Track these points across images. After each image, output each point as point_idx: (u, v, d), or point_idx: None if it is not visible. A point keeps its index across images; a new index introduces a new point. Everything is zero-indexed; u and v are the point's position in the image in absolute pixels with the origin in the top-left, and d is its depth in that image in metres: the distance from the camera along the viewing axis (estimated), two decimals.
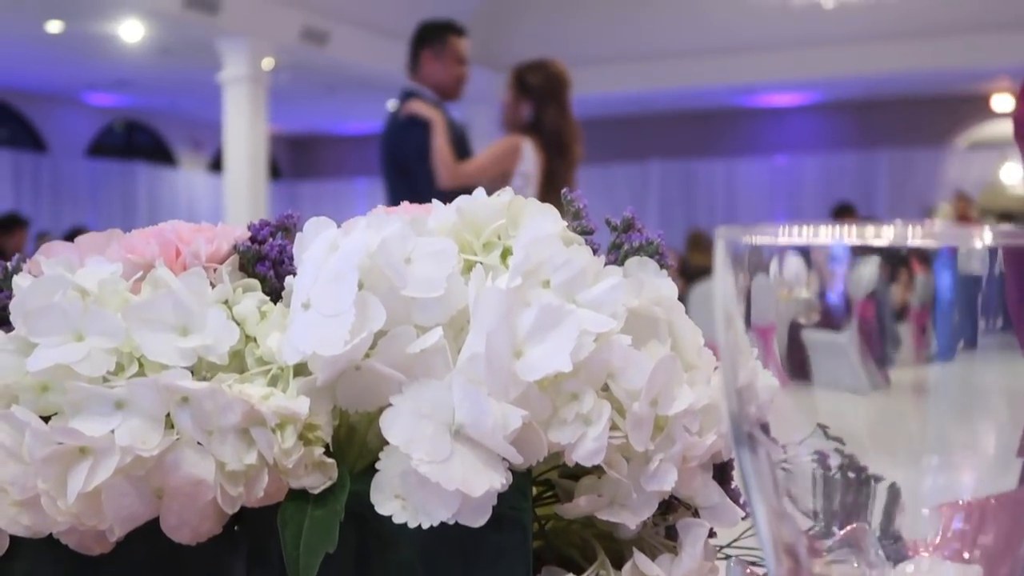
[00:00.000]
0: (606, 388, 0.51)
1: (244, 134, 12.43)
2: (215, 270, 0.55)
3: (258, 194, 12.61)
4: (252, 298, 0.54)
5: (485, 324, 0.49)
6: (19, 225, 7.43)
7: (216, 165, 20.21)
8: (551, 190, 3.68)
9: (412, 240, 0.53)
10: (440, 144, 3.58)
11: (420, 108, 3.68)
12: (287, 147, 22.93)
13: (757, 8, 10.20)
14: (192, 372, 0.50)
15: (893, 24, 13.30)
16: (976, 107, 17.59)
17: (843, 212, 9.80)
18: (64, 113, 18.41)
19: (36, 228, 16.81)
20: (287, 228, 0.63)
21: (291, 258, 0.57)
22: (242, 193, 12.46)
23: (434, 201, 0.61)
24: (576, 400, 0.51)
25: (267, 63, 12.72)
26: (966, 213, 10.54)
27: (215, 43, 12.35)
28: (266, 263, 0.57)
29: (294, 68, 13.97)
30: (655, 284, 0.59)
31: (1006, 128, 12.11)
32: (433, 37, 3.81)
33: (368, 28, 14.10)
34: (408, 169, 3.68)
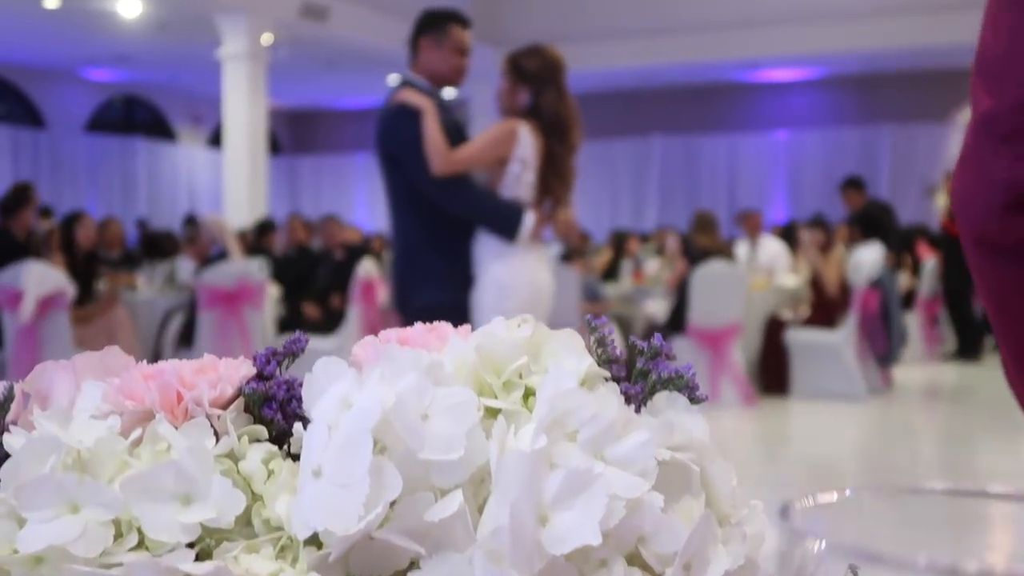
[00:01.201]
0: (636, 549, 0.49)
1: (243, 110, 12.36)
2: (219, 417, 0.52)
3: (257, 169, 12.56)
4: (258, 451, 0.51)
5: (508, 493, 0.46)
6: (27, 201, 7.39)
7: (215, 140, 20.12)
8: (552, 174, 3.64)
9: (429, 393, 0.49)
10: (431, 131, 3.48)
11: (410, 97, 3.60)
12: (287, 122, 22.83)
13: None
14: (196, 540, 0.47)
15: (896, 1, 13.19)
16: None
17: (851, 186, 9.74)
18: (62, 89, 18.30)
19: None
20: (294, 354, 0.59)
21: (299, 398, 0.54)
22: (242, 168, 12.41)
23: (449, 335, 0.57)
24: (605, 567, 0.48)
25: (266, 39, 12.63)
26: None
27: (214, 18, 12.27)
28: (273, 405, 0.54)
29: (293, 44, 13.88)
30: (686, 425, 0.56)
31: None
32: (435, 25, 3.72)
33: (367, 4, 14.00)
34: (399, 158, 3.61)
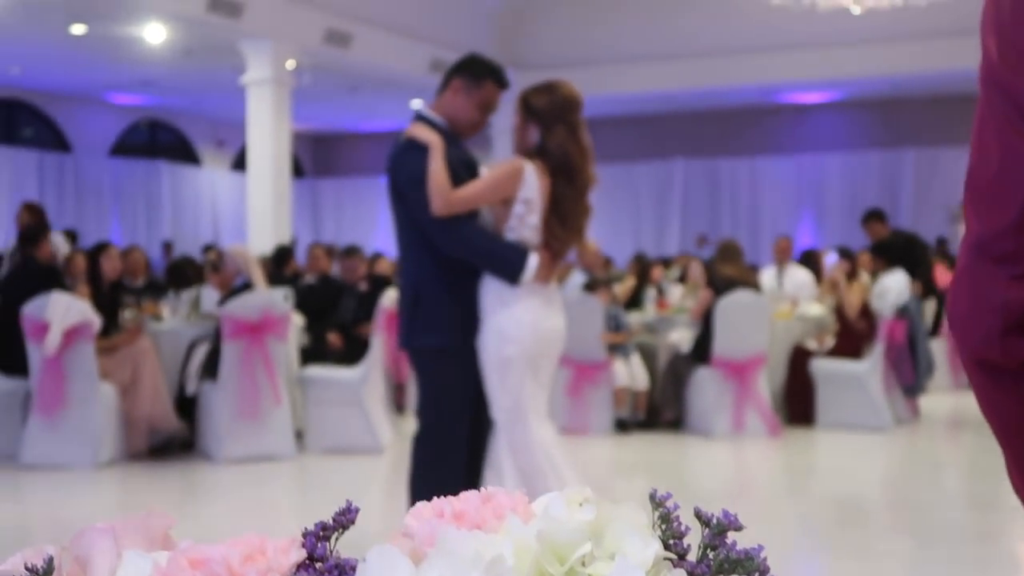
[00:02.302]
0: None
1: (267, 135, 12.42)
2: None
3: (281, 194, 12.61)
4: None
5: None
6: (47, 228, 7.44)
7: (239, 163, 20.21)
8: (557, 215, 3.52)
9: None
10: (435, 168, 3.39)
11: (420, 132, 3.53)
12: (310, 145, 22.91)
13: (783, 8, 10.08)
14: None
15: (919, 24, 13.14)
16: None
17: (874, 218, 9.65)
18: (88, 113, 18.44)
19: (61, 225, 16.87)
20: (344, 527, 0.58)
21: None
22: (266, 193, 12.46)
23: (509, 519, 0.55)
24: None
25: (290, 64, 12.70)
26: None
27: (238, 45, 12.34)
28: None
29: (316, 69, 13.94)
30: None
31: None
32: (472, 72, 3.62)
33: (390, 30, 14.04)
34: (403, 193, 3.54)
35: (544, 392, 3.63)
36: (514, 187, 3.47)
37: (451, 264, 3.52)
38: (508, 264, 3.46)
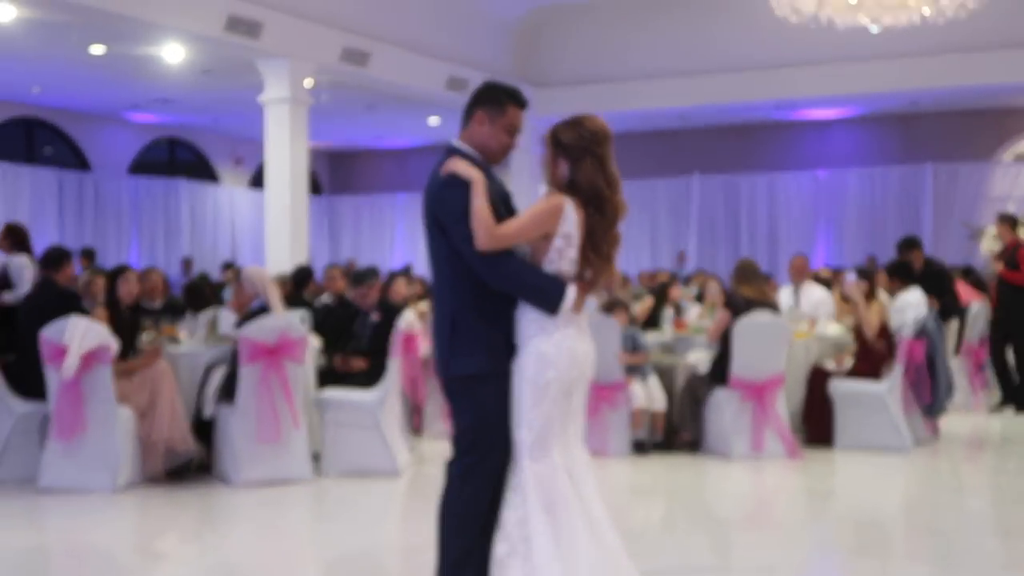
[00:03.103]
0: None
1: (285, 154, 12.47)
2: None
3: (299, 212, 12.65)
4: None
5: None
6: (68, 257, 7.48)
7: (257, 181, 20.31)
8: (591, 247, 3.62)
9: None
10: (479, 205, 3.52)
11: (460, 167, 3.62)
12: (328, 162, 23.01)
13: (800, 25, 10.07)
14: None
15: (936, 40, 13.10)
16: (1022, 120, 17.34)
17: (909, 247, 9.71)
18: (107, 132, 18.57)
19: (80, 243, 16.99)
20: None
21: None
22: (284, 211, 12.50)
23: None
24: None
25: (308, 83, 12.75)
26: (1013, 236, 10.25)
27: (257, 63, 12.40)
28: None
29: (334, 87, 14.00)
30: None
31: None
32: (492, 100, 3.73)
33: (407, 47, 14.08)
34: (446, 227, 3.63)
35: (579, 417, 3.73)
36: (555, 223, 3.59)
37: (488, 293, 3.62)
38: (549, 296, 3.58)
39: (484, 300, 3.62)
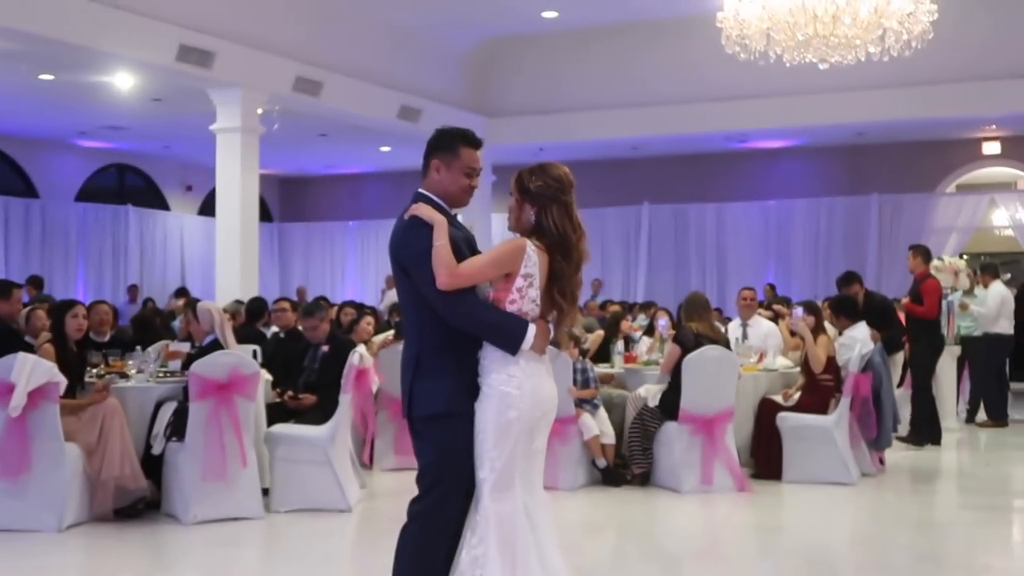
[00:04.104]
0: None
1: (236, 182, 12.42)
2: None
3: (249, 240, 12.60)
4: None
5: None
6: (15, 286, 7.40)
7: (207, 208, 20.17)
8: (557, 290, 3.71)
9: None
10: (440, 245, 3.61)
11: (423, 210, 3.70)
12: (278, 188, 22.90)
13: (748, 60, 10.23)
14: None
15: (882, 74, 13.35)
16: (965, 152, 17.69)
17: (849, 281, 9.78)
18: (55, 158, 18.36)
19: (26, 270, 16.76)
20: None
21: None
22: (234, 239, 12.45)
23: None
24: None
25: (260, 111, 12.73)
26: (924, 268, 10.22)
27: (208, 92, 12.36)
28: None
29: (287, 115, 13.98)
30: None
31: (995, 172, 12.22)
32: (445, 146, 3.81)
33: (360, 77, 14.11)
34: (408, 269, 3.70)
35: (538, 459, 3.76)
36: (516, 262, 3.65)
37: (454, 334, 3.67)
38: (509, 335, 3.64)
39: (449, 341, 3.67)
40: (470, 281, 3.62)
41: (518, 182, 3.78)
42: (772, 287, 16.06)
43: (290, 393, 7.47)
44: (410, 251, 3.67)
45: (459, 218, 3.95)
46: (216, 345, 7.11)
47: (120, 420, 6.69)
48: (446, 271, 3.57)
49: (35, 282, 14.95)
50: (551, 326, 3.75)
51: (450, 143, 3.81)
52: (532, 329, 3.63)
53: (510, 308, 3.64)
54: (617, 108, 16.04)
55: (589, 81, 16.18)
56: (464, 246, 3.72)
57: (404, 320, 3.86)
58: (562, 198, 3.72)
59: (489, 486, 3.62)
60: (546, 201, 3.71)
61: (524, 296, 3.64)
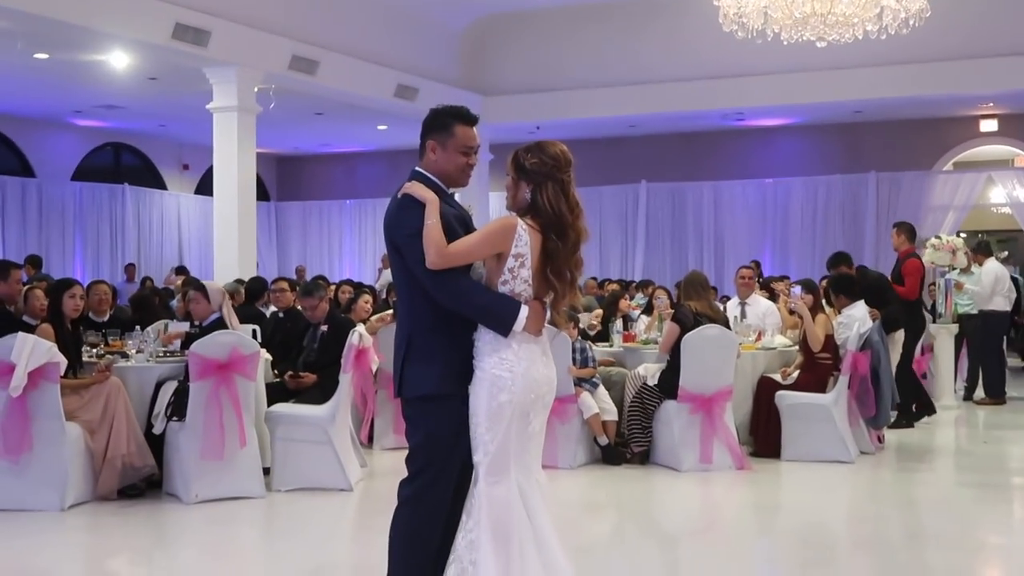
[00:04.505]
0: None
1: (233, 162, 12.40)
2: None
3: (247, 219, 12.59)
4: None
5: None
6: (14, 267, 7.37)
7: (204, 187, 20.14)
8: (552, 270, 3.63)
9: None
10: (431, 224, 3.54)
11: (416, 189, 3.65)
12: (275, 167, 22.86)
13: (745, 38, 10.21)
14: None
15: (880, 52, 13.34)
16: (963, 130, 17.67)
17: (840, 262, 9.72)
18: (52, 137, 18.31)
19: (23, 250, 16.74)
20: None
21: None
22: (232, 219, 12.44)
23: None
24: None
25: (256, 90, 12.70)
26: (909, 245, 10.13)
27: (204, 71, 12.32)
28: None
29: (283, 94, 13.93)
30: None
31: (992, 150, 12.13)
32: (439, 126, 3.74)
33: (355, 56, 14.06)
34: (400, 247, 3.66)
35: (535, 442, 3.70)
36: (506, 242, 3.58)
37: (446, 315, 3.61)
38: (499, 316, 3.58)
39: (441, 322, 3.62)
40: (460, 261, 3.56)
41: (514, 160, 3.70)
42: (757, 264, 16.01)
43: (290, 372, 7.48)
44: (402, 230, 3.62)
45: (456, 197, 3.91)
46: (221, 324, 7.12)
47: (124, 398, 6.72)
48: (435, 251, 3.51)
49: (34, 261, 14.94)
50: (548, 307, 3.72)
51: (444, 122, 3.75)
52: (524, 310, 3.57)
53: (502, 289, 3.59)
54: (614, 86, 15.99)
55: (586, 59, 16.13)
56: (457, 224, 3.66)
57: (398, 300, 3.81)
58: (558, 176, 3.64)
59: (483, 470, 3.58)
60: (541, 179, 3.64)
61: (516, 276, 3.58)
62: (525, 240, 3.59)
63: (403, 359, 3.68)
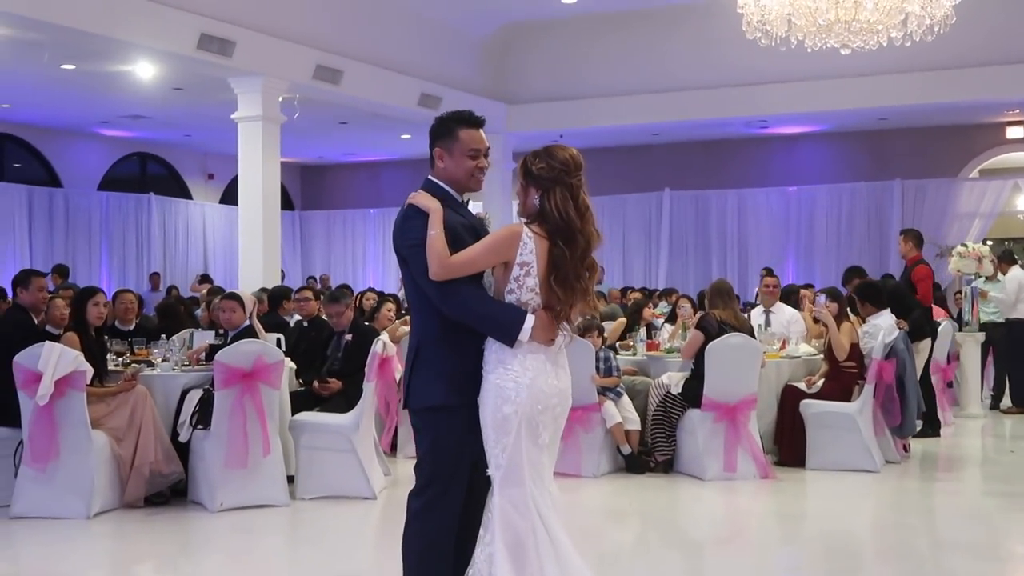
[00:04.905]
0: None
1: (258, 171, 12.46)
2: None
3: (271, 228, 12.64)
4: None
5: None
6: (37, 275, 7.43)
7: (229, 196, 20.25)
8: (557, 277, 3.54)
9: None
10: (433, 234, 3.49)
11: (420, 199, 3.61)
12: (299, 176, 22.96)
13: (769, 46, 10.17)
14: None
15: (904, 59, 13.26)
16: (989, 136, 17.55)
17: (854, 276, 9.66)
18: (78, 147, 18.46)
19: (50, 259, 16.88)
20: None
21: None
22: (256, 228, 12.50)
23: None
24: None
25: (281, 99, 12.76)
26: (917, 252, 10.05)
27: (229, 81, 12.39)
28: None
29: (307, 103, 13.99)
30: None
31: (1019, 157, 11.95)
32: (443, 132, 3.69)
33: (380, 65, 14.11)
34: (405, 258, 3.64)
35: (547, 453, 3.62)
36: (510, 250, 3.52)
37: (453, 325, 3.57)
38: (503, 326, 3.52)
39: (449, 332, 3.58)
40: (462, 271, 3.50)
41: (523, 166, 3.63)
42: (769, 271, 15.87)
43: (318, 381, 7.51)
44: (405, 241, 3.58)
45: (480, 206, 3.87)
46: (251, 331, 7.19)
47: (151, 406, 6.76)
48: (437, 261, 3.46)
49: (61, 271, 15.07)
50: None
51: (447, 127, 3.70)
52: (530, 320, 3.50)
53: (508, 298, 3.53)
54: (637, 94, 15.98)
55: (609, 67, 16.12)
56: (466, 233, 3.60)
57: (409, 310, 3.79)
58: (567, 180, 3.56)
59: (497, 482, 3.54)
60: (549, 184, 3.55)
61: (522, 285, 3.52)
62: (531, 248, 3.51)
63: (411, 369, 3.66)
